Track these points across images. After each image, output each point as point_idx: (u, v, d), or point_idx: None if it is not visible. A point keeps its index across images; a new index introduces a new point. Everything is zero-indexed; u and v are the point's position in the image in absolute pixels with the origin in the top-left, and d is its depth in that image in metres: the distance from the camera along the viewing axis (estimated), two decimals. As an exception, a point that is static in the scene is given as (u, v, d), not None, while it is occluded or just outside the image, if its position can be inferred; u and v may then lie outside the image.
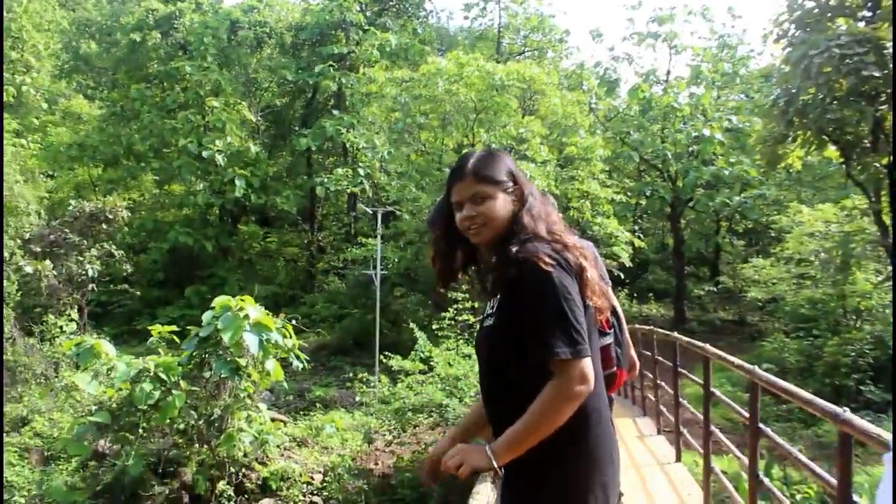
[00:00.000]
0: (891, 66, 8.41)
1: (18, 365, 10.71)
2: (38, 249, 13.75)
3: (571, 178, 16.16)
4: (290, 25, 21.76)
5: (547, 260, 1.57)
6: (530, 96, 16.76)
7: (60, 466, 8.06)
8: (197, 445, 7.94)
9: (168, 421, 8.04)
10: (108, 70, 23.63)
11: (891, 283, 11.03)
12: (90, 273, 14.14)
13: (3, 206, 10.11)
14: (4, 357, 10.91)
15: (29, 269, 13.19)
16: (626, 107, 21.24)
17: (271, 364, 8.11)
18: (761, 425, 3.61)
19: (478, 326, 1.82)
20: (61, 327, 12.39)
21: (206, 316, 7.87)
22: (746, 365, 3.75)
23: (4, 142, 15.91)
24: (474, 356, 9.17)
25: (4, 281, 12.22)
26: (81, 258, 14.13)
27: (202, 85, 20.33)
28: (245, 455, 8.19)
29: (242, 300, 8.14)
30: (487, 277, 1.76)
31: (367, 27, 20.98)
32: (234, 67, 21.61)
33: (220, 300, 7.99)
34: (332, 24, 20.90)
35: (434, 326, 10.25)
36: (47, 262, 13.61)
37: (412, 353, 9.33)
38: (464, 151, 14.59)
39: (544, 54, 22.19)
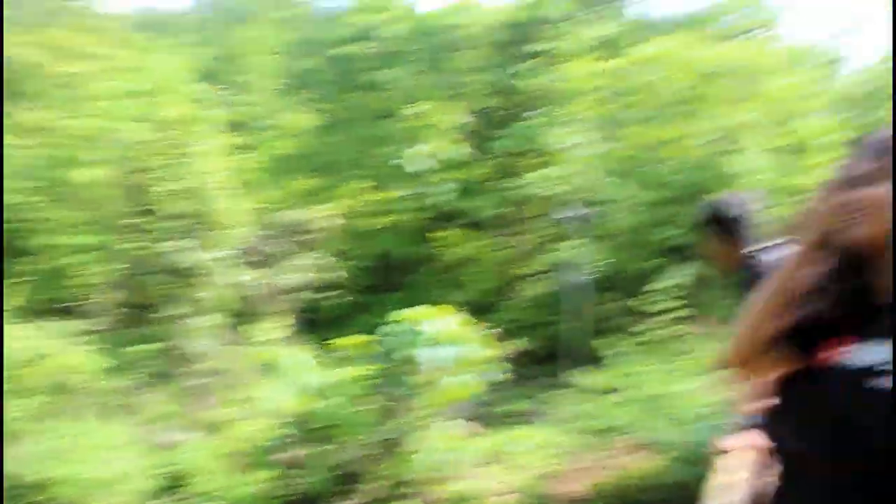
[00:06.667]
0: None
1: (225, 371, 11.11)
2: (254, 259, 14.36)
3: (797, 169, 14.56)
4: (493, 26, 21.53)
5: None
6: (747, 82, 15.32)
7: (252, 476, 8.12)
8: (382, 462, 7.76)
9: (355, 436, 7.94)
10: (324, 84, 24.63)
11: None
12: (301, 280, 14.62)
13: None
14: (217, 364, 11.39)
15: (246, 278, 13.78)
16: (857, 86, 18.99)
17: (463, 378, 7.81)
18: None
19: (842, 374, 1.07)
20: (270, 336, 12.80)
21: (393, 329, 7.71)
22: None
23: (230, 157, 16.86)
24: (676, 371, 8.29)
25: (223, 292, 12.81)
26: (294, 266, 14.64)
27: (410, 91, 20.64)
28: (432, 471, 7.91)
29: (431, 310, 7.91)
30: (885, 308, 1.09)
31: (570, 20, 20.32)
32: (441, 72, 21.73)
33: (405, 312, 7.81)
34: (536, 20, 20.44)
35: (640, 339, 9.46)
36: (262, 270, 14.21)
37: (608, 366, 8.65)
38: (681, 143, 13.56)
39: (759, 35, 20.40)
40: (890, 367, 0.96)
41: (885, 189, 1.03)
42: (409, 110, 20.04)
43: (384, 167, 20.32)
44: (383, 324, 7.44)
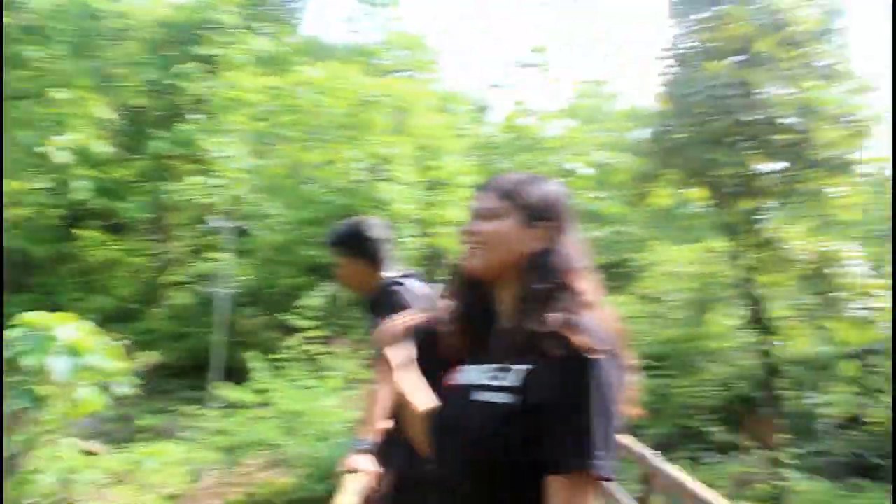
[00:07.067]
0: (761, 110, 8.51)
1: None
2: None
3: (435, 204, 15.79)
4: (154, 21, 20.49)
5: (598, 344, 1.17)
6: (401, 116, 16.34)
7: None
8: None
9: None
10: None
11: (749, 324, 11.10)
12: None
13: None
14: None
15: None
16: (496, 134, 21.20)
17: (88, 391, 7.26)
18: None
19: (452, 385, 1.20)
20: None
21: (9, 335, 6.96)
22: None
23: None
24: (315, 389, 8.58)
25: None
26: None
27: (55, 74, 18.85)
28: (47, 497, 7.28)
29: (58, 316, 7.30)
30: (499, 332, 1.27)
31: (237, 30, 20.02)
32: (96, 59, 20.11)
33: (25, 317, 7.11)
34: (199, 23, 19.83)
35: (281, 355, 9.58)
36: None
37: (250, 381, 8.66)
38: (335, 165, 14.04)
39: (417, 75, 21.89)
40: (489, 382, 1.16)
41: (503, 225, 1.26)
42: (50, 94, 18.28)
43: (15, 154, 18.29)
44: (4, 328, 6.71)
